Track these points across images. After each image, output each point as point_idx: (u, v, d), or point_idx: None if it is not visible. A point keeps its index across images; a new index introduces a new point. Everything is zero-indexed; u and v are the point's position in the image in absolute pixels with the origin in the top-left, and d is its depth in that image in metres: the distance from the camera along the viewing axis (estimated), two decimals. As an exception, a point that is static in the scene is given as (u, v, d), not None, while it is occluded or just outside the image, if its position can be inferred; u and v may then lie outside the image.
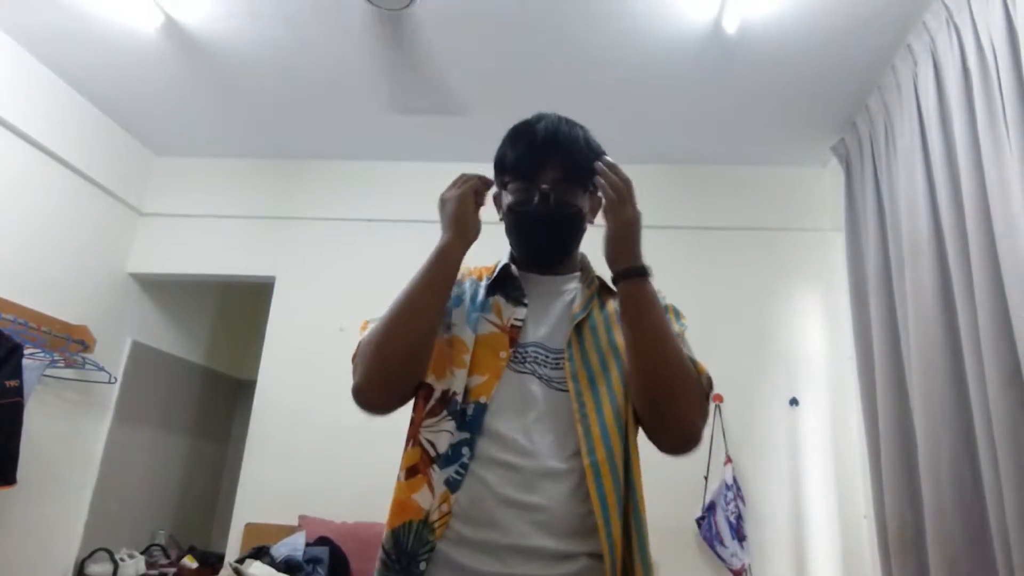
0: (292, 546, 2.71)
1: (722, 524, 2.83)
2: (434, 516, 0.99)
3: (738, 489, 2.89)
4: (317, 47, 2.72)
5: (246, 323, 4.34)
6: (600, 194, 1.09)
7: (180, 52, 2.78)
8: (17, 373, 2.55)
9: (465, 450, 1.01)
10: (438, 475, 1.00)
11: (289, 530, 2.93)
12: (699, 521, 2.88)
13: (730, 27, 2.44)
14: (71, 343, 3.00)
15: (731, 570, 2.79)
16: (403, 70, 2.85)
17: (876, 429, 2.54)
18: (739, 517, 2.83)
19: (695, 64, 2.70)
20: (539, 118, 1.18)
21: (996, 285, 1.82)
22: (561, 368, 1.07)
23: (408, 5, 2.41)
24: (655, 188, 3.50)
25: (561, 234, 1.16)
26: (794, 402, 3.08)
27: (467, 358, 1.07)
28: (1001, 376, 1.75)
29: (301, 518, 2.98)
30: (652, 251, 3.77)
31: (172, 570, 3.30)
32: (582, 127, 1.19)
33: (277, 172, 3.67)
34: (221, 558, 3.16)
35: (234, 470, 3.33)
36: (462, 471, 1.00)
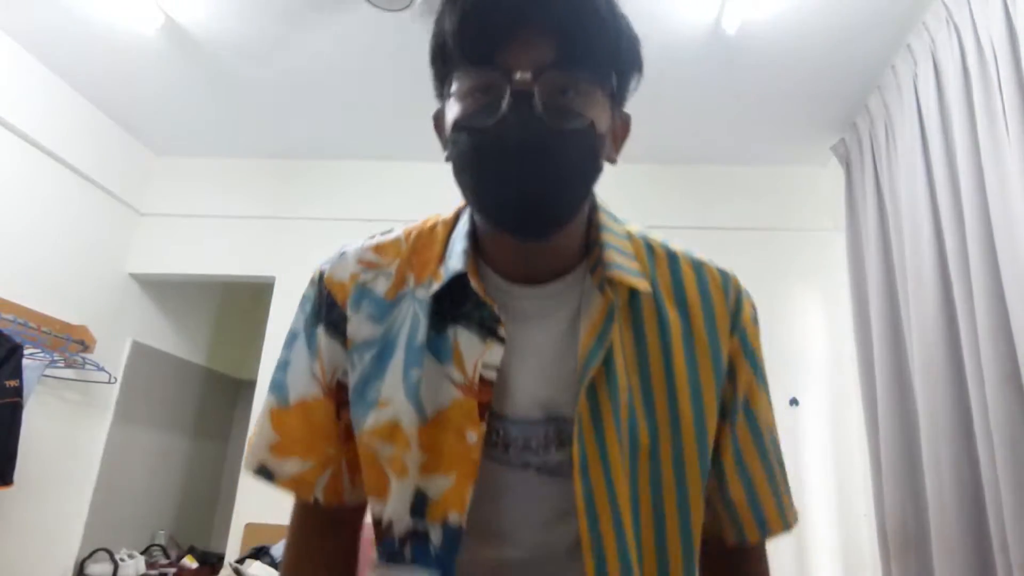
0: (292, 546, 2.70)
1: (722, 524, 2.83)
2: None
3: (738, 489, 2.89)
4: (317, 47, 2.72)
5: (246, 323, 4.34)
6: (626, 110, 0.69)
7: (180, 52, 2.78)
8: (17, 373, 2.55)
9: None
10: None
11: (289, 530, 2.93)
12: (699, 521, 2.88)
13: (730, 28, 2.44)
14: (71, 343, 3.00)
15: (731, 570, 2.79)
16: (402, 71, 2.85)
17: (876, 429, 2.54)
18: (739, 517, 2.83)
19: (695, 65, 2.70)
20: None
21: (996, 285, 1.82)
22: (567, 446, 0.65)
23: (408, 6, 2.41)
24: (655, 188, 3.51)
25: (561, 169, 0.62)
26: (794, 402, 3.08)
27: (410, 457, 0.65)
28: (1001, 375, 1.75)
29: (301, 518, 2.97)
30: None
31: (172, 570, 3.30)
32: None
33: (277, 172, 3.67)
34: (221, 558, 3.16)
35: (234, 470, 3.33)
36: None
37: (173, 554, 3.53)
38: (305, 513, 0.77)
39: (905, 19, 2.38)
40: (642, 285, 0.68)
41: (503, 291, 0.69)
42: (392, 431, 0.65)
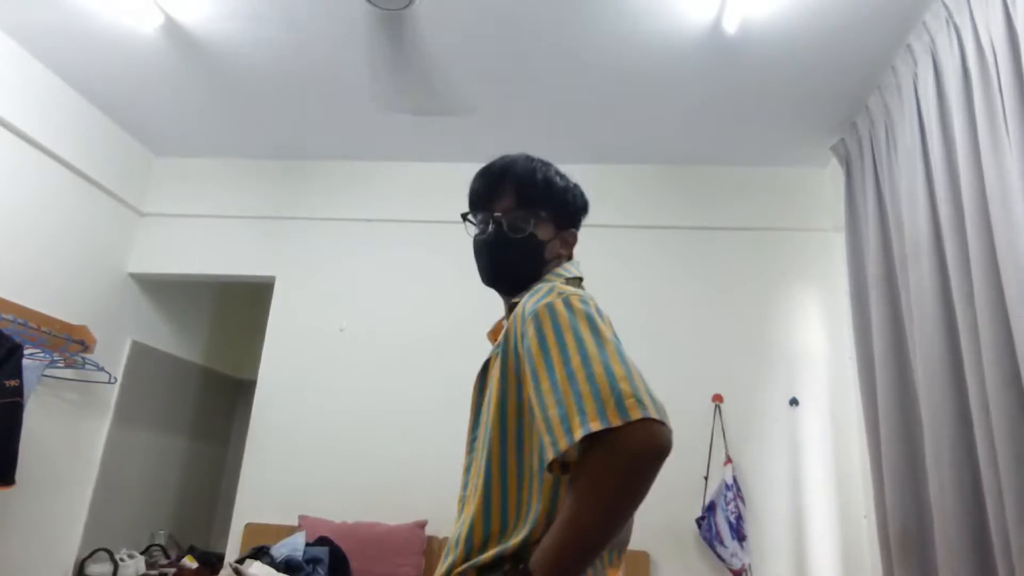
0: (292, 546, 2.70)
1: (722, 524, 2.83)
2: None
3: (738, 489, 2.89)
4: (317, 47, 2.72)
5: (246, 323, 4.34)
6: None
7: (180, 52, 2.78)
8: (17, 373, 2.55)
9: None
10: None
11: (289, 530, 2.93)
12: (699, 521, 2.88)
13: (730, 27, 2.44)
14: (71, 343, 3.00)
15: (731, 570, 2.79)
16: (402, 71, 2.84)
17: (876, 429, 2.54)
18: (739, 517, 2.83)
19: (695, 64, 2.70)
20: (502, 157, 1.23)
21: (996, 285, 1.82)
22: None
23: (408, 5, 2.41)
24: (655, 188, 3.51)
25: (509, 255, 1.15)
26: (794, 402, 3.08)
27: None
28: (1000, 375, 1.75)
29: (301, 518, 2.98)
30: (652, 251, 3.80)
31: (172, 570, 3.30)
32: (548, 164, 1.23)
33: (277, 172, 3.68)
34: (221, 558, 3.16)
35: (234, 470, 3.33)
36: None
37: (173, 554, 3.53)
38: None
39: (905, 19, 2.38)
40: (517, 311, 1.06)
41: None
42: None
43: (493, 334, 1.23)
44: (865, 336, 2.72)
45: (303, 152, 3.63)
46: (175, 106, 3.23)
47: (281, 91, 3.05)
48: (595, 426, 0.81)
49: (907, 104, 2.42)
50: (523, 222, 1.14)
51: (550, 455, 0.85)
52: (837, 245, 3.15)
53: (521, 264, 1.16)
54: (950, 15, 2.14)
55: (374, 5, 2.42)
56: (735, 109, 3.00)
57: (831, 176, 3.33)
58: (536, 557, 0.84)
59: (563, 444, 0.83)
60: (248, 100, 3.14)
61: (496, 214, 1.15)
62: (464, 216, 1.23)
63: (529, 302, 1.02)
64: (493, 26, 2.55)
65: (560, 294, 0.99)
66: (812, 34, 2.49)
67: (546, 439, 0.86)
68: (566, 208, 1.21)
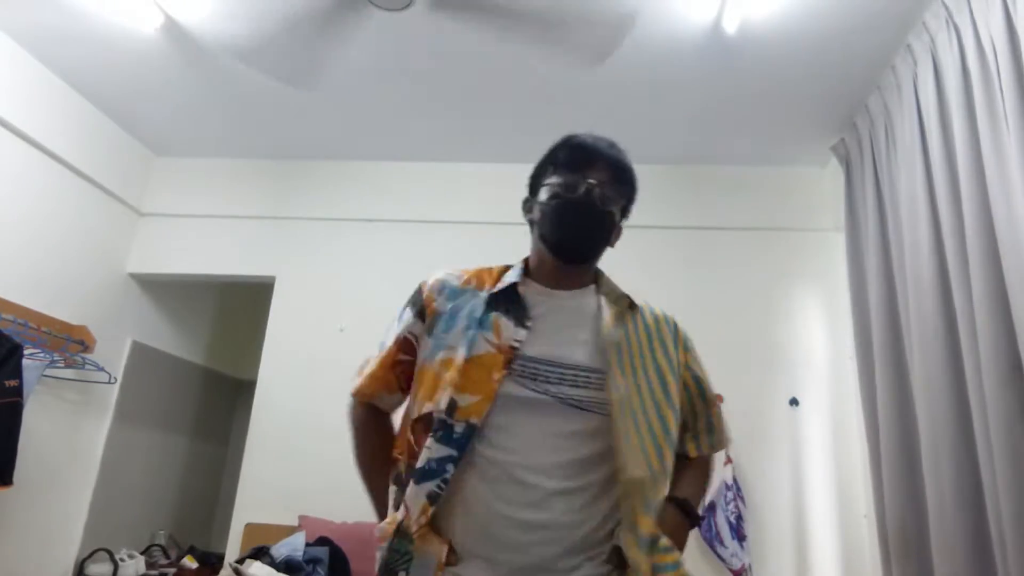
0: (292, 546, 2.70)
1: (722, 524, 2.83)
2: (412, 528, 1.03)
3: (738, 489, 2.89)
4: (317, 47, 2.72)
5: (246, 323, 4.34)
6: (621, 223, 1.22)
7: (180, 52, 2.78)
8: (17, 373, 2.55)
9: (449, 467, 1.03)
10: (413, 490, 1.04)
11: (289, 530, 2.93)
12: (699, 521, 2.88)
13: (730, 27, 2.44)
14: (71, 343, 3.00)
15: (731, 570, 2.79)
16: (402, 71, 2.84)
17: (876, 429, 2.54)
18: (739, 517, 2.83)
19: (695, 64, 2.70)
20: (588, 133, 1.24)
21: (996, 285, 1.82)
22: (581, 386, 1.08)
23: (408, 6, 2.41)
24: (655, 188, 3.49)
25: (598, 229, 1.18)
26: (794, 402, 3.08)
27: (454, 375, 1.08)
28: (1000, 375, 1.75)
29: (301, 518, 2.98)
30: (652, 251, 3.80)
31: (172, 570, 3.30)
32: None
33: (277, 172, 3.67)
34: (221, 558, 3.16)
35: (234, 470, 3.33)
36: (443, 485, 1.02)
37: (173, 554, 3.53)
38: (359, 405, 1.27)
39: (905, 19, 2.38)
40: (636, 303, 1.23)
41: (540, 293, 1.19)
42: (450, 364, 1.10)
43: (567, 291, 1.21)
44: (865, 336, 2.72)
45: (303, 152, 3.63)
46: (175, 106, 3.23)
47: (281, 91, 3.04)
48: (718, 448, 1.33)
49: (907, 104, 2.42)
50: (612, 202, 1.17)
51: (705, 450, 1.29)
52: (837, 245, 3.15)
53: (601, 241, 1.20)
54: (950, 15, 2.14)
55: (374, 5, 2.42)
56: (735, 109, 3.00)
57: (831, 176, 3.33)
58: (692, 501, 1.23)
59: (708, 450, 1.30)
60: (248, 100, 3.14)
61: (591, 181, 1.14)
62: (542, 182, 1.21)
63: (657, 310, 1.28)
64: (492, 27, 2.55)
65: None
66: (812, 34, 2.49)
67: (708, 439, 1.30)
68: (632, 202, 1.26)
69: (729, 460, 2.95)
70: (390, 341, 1.23)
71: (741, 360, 3.13)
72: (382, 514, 1.15)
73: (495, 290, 1.17)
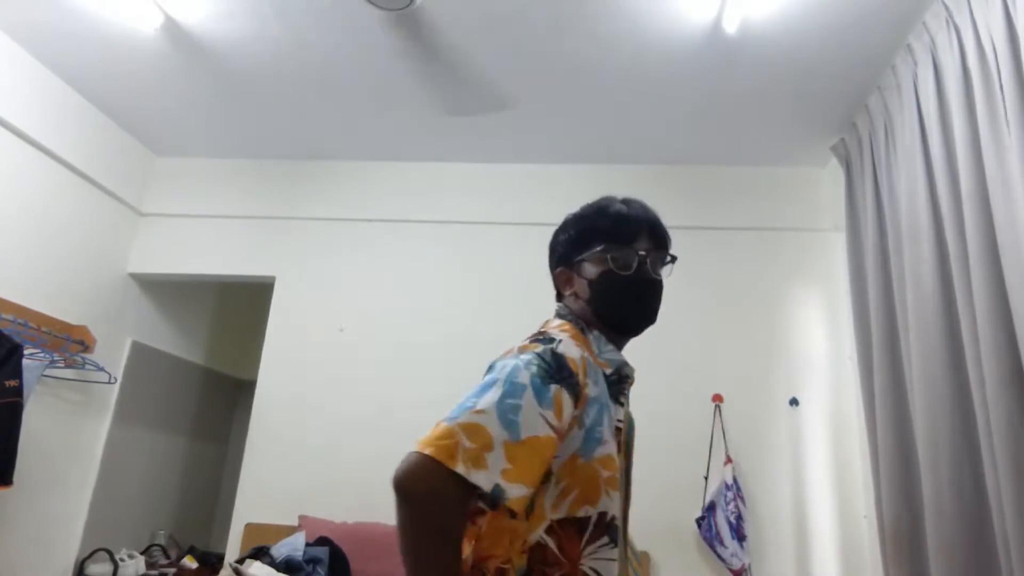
0: (292, 546, 2.71)
1: (722, 524, 2.83)
2: None
3: (738, 489, 2.89)
4: (317, 47, 2.72)
5: (246, 323, 4.34)
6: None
7: (180, 52, 2.78)
8: (17, 373, 2.55)
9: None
10: None
11: (289, 530, 2.94)
12: (699, 521, 2.88)
13: (730, 27, 2.44)
14: (71, 343, 3.00)
15: (731, 570, 2.79)
16: (402, 71, 2.84)
17: (875, 428, 2.54)
18: (739, 517, 2.83)
19: (695, 64, 2.70)
20: (618, 198, 1.23)
21: (997, 285, 1.82)
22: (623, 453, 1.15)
23: (408, 5, 2.41)
24: (655, 188, 3.51)
25: (655, 300, 1.18)
26: (794, 402, 3.08)
27: (620, 477, 1.08)
28: (1001, 376, 1.75)
29: (301, 518, 2.98)
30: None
31: (172, 570, 3.30)
32: None
33: (277, 172, 3.68)
34: (221, 558, 3.16)
35: (234, 470, 3.33)
36: None
37: (173, 554, 3.53)
38: (465, 493, 0.97)
39: (905, 19, 2.38)
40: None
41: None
42: (608, 461, 1.06)
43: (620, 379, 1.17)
44: (865, 336, 2.72)
45: (303, 152, 3.63)
46: (175, 106, 3.23)
47: (281, 91, 3.05)
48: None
49: (907, 104, 2.42)
50: (660, 268, 1.20)
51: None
52: (837, 245, 3.15)
53: (657, 311, 1.21)
54: (950, 15, 2.14)
55: (374, 5, 2.42)
56: (735, 109, 3.00)
57: (831, 176, 3.33)
58: None
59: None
60: (248, 100, 3.14)
61: (641, 252, 1.16)
62: (584, 255, 1.19)
63: None
64: (492, 27, 2.55)
65: None
66: (812, 34, 2.49)
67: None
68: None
69: (729, 460, 2.95)
70: (543, 428, 0.98)
71: (741, 360, 3.14)
72: None
73: (611, 374, 1.13)
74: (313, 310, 3.40)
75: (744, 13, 2.39)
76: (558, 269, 1.23)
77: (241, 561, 2.61)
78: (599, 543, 1.01)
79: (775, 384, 3.11)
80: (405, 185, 3.59)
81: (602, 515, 1.02)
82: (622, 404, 1.12)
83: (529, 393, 0.98)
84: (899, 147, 2.48)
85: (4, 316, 2.68)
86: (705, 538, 2.85)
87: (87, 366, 3.10)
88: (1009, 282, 1.75)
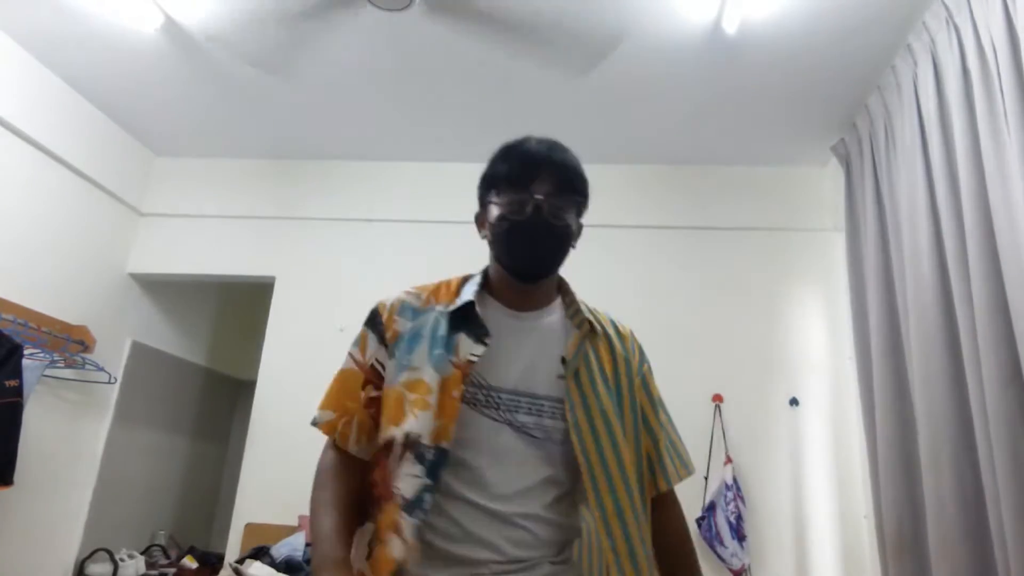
0: (292, 546, 2.71)
1: (722, 524, 2.83)
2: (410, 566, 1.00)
3: (738, 489, 2.89)
4: (317, 47, 2.72)
5: (246, 323, 4.34)
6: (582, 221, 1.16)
7: (180, 52, 2.78)
8: (17, 373, 2.55)
9: (427, 497, 1.00)
10: (407, 523, 0.99)
11: (289, 530, 2.93)
12: (699, 521, 2.88)
13: (730, 27, 2.44)
14: (71, 343, 3.00)
15: (731, 570, 2.79)
16: (402, 71, 2.84)
17: (874, 430, 2.54)
18: (739, 517, 2.83)
19: (695, 64, 2.70)
20: (529, 137, 1.16)
21: (996, 285, 1.82)
22: (540, 415, 1.07)
23: (407, 6, 2.41)
24: (655, 188, 3.51)
25: (552, 245, 1.12)
26: (794, 402, 3.08)
27: (432, 399, 1.04)
28: (1001, 376, 1.75)
29: (301, 518, 2.98)
30: (652, 251, 3.80)
31: (172, 570, 3.30)
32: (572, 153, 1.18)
33: (277, 172, 3.67)
34: (221, 558, 3.16)
35: (234, 470, 3.33)
36: (424, 517, 0.99)
37: (173, 554, 3.53)
38: (329, 447, 1.19)
39: (905, 19, 2.38)
40: (599, 327, 1.19)
41: (501, 313, 1.14)
42: (417, 385, 1.06)
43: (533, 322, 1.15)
44: (864, 336, 2.72)
45: (303, 152, 3.63)
46: (175, 106, 3.23)
47: (281, 91, 3.05)
48: (691, 468, 1.26)
49: (907, 104, 2.42)
50: (564, 212, 1.11)
51: (677, 479, 1.21)
52: (837, 245, 3.15)
53: (558, 257, 1.14)
54: (950, 15, 2.14)
55: (374, 6, 2.42)
56: (735, 109, 3.00)
57: (831, 176, 3.33)
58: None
59: (685, 474, 1.22)
60: (248, 100, 3.14)
61: (538, 196, 1.08)
62: (490, 198, 1.14)
63: (622, 326, 1.25)
64: (492, 27, 2.55)
65: None
66: (812, 34, 2.49)
67: (675, 463, 1.21)
68: (587, 202, 1.18)
69: (729, 460, 2.95)
70: (349, 363, 1.19)
71: (741, 360, 3.14)
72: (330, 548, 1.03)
73: (453, 307, 1.13)
74: (313, 310, 3.40)
75: (744, 13, 2.39)
76: (476, 212, 1.21)
77: (241, 561, 2.61)
78: (404, 461, 1.02)
79: (775, 384, 3.11)
80: (405, 185, 3.59)
81: (407, 435, 1.03)
82: (484, 342, 1.07)
83: (351, 342, 1.20)
84: (899, 147, 2.48)
85: (4, 316, 2.68)
86: (705, 538, 2.85)
87: (87, 366, 3.09)
88: (1008, 282, 1.75)
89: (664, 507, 1.18)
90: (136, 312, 3.59)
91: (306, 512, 3.45)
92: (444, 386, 1.04)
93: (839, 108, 2.93)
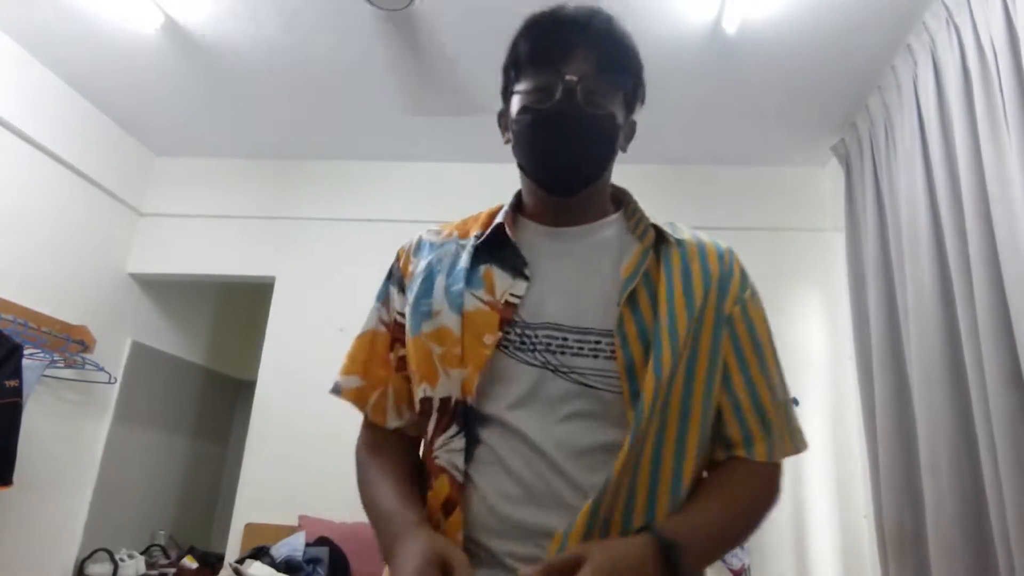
0: (292, 546, 2.71)
1: (722, 524, 2.83)
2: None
3: (738, 489, 2.89)
4: (317, 47, 2.72)
5: (246, 323, 4.34)
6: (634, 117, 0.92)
7: (180, 52, 2.78)
8: (17, 373, 2.55)
9: (460, 460, 0.82)
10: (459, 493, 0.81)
11: (289, 530, 2.93)
12: (699, 521, 2.88)
13: (730, 28, 2.44)
14: (71, 343, 3.00)
15: (731, 570, 2.79)
16: (403, 71, 2.84)
17: (874, 430, 2.54)
18: (739, 517, 2.83)
19: (695, 65, 2.69)
20: (564, 3, 0.90)
21: (996, 285, 1.82)
22: (587, 355, 0.80)
23: (408, 5, 2.41)
24: (655, 188, 3.50)
25: (591, 140, 0.86)
26: (794, 402, 3.07)
27: (457, 350, 0.83)
28: (1001, 376, 1.75)
29: (301, 518, 2.98)
30: (652, 251, 3.62)
31: (172, 570, 3.30)
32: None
33: (277, 172, 3.67)
34: (221, 558, 3.16)
35: (234, 470, 3.33)
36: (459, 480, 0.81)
37: (173, 554, 3.53)
38: (365, 428, 0.98)
39: (905, 19, 2.38)
40: (669, 235, 0.90)
41: (539, 234, 0.91)
42: (442, 334, 0.85)
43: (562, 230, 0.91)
44: (864, 336, 2.72)
45: (303, 152, 3.63)
46: (175, 106, 3.23)
47: (281, 91, 3.05)
48: (800, 450, 0.96)
49: (907, 104, 2.42)
50: (605, 98, 0.86)
51: (764, 454, 0.89)
52: (837, 245, 3.15)
53: (601, 157, 0.89)
54: (950, 15, 2.14)
55: (374, 5, 2.42)
56: (735, 109, 3.00)
57: (831, 176, 3.33)
58: (688, 532, 0.76)
59: (786, 450, 0.93)
60: (248, 100, 3.14)
61: (570, 78, 0.83)
62: (513, 86, 0.90)
63: (714, 242, 0.96)
64: (492, 27, 2.55)
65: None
66: (812, 34, 2.49)
67: (759, 433, 0.88)
68: (640, 90, 0.93)
69: (729, 460, 2.95)
70: (374, 322, 1.00)
71: (741, 360, 3.13)
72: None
73: (482, 236, 0.91)
74: (313, 310, 3.40)
75: (744, 14, 2.39)
76: (499, 110, 0.97)
77: (241, 561, 2.61)
78: (448, 433, 0.82)
79: (775, 384, 3.11)
80: (406, 185, 3.59)
81: (445, 400, 0.83)
82: (525, 276, 0.85)
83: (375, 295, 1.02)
84: (899, 147, 2.48)
85: (4, 316, 2.67)
86: (705, 538, 2.85)
87: (87, 366, 3.09)
88: (1008, 282, 1.75)
89: (728, 473, 0.87)
90: (136, 312, 3.59)
91: (306, 512, 3.44)
92: (471, 329, 0.83)
93: (839, 108, 2.93)
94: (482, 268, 0.88)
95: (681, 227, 0.97)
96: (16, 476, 2.53)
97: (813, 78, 2.75)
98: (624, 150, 0.93)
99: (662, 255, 0.87)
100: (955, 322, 2.04)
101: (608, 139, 0.88)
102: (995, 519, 1.80)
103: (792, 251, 3.31)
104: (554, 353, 0.81)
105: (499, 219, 0.92)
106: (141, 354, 3.59)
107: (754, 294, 0.95)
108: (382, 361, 0.95)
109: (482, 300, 0.85)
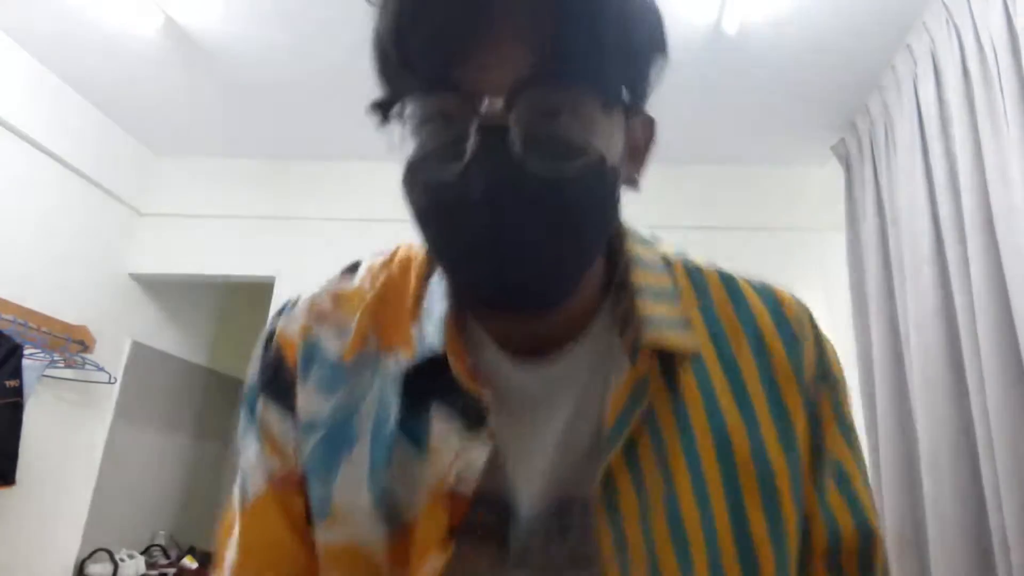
0: (292, 546, 2.70)
1: (722, 524, 2.82)
2: None
3: (738, 489, 2.88)
4: (317, 46, 2.72)
5: (246, 323, 4.34)
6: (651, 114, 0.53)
7: (180, 52, 2.78)
8: (17, 373, 2.55)
9: None
10: None
11: (289, 530, 2.93)
12: (699, 521, 2.87)
13: (730, 28, 2.44)
14: (71, 343, 3.00)
15: (731, 570, 2.79)
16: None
17: (875, 430, 2.53)
18: (739, 517, 2.82)
19: (695, 65, 2.69)
20: None
21: (997, 285, 1.82)
22: (569, 539, 0.50)
23: (408, 5, 2.41)
24: (653, 188, 3.49)
25: (557, 232, 0.46)
26: (794, 402, 3.07)
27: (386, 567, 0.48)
28: (1003, 377, 1.75)
29: (301, 518, 2.97)
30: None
31: (172, 570, 3.31)
32: None
33: (277, 172, 3.67)
34: (221, 558, 3.15)
35: (234, 470, 3.33)
36: None
37: (173, 554, 3.53)
38: None
39: (905, 19, 2.37)
40: (690, 345, 0.52)
41: (499, 366, 0.52)
42: (352, 558, 0.47)
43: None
44: (865, 336, 2.72)
45: (303, 152, 3.62)
46: (175, 106, 3.23)
47: (281, 91, 3.05)
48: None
49: (907, 104, 2.42)
50: (571, 125, 0.47)
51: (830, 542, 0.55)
52: (837, 245, 3.15)
53: (584, 249, 0.51)
54: (950, 15, 2.14)
55: (375, 5, 2.42)
56: (734, 109, 3.00)
57: (831, 176, 3.33)
58: None
59: (823, 535, 0.56)
60: (248, 100, 3.14)
61: (488, 105, 0.45)
62: (392, 100, 0.55)
63: (775, 307, 0.60)
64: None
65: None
66: (812, 34, 2.49)
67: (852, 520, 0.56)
68: (655, 51, 0.57)
69: (729, 460, 2.94)
70: (254, 484, 0.58)
71: (741, 360, 3.13)
72: None
73: (410, 365, 0.51)
74: (313, 310, 3.40)
75: (744, 14, 2.39)
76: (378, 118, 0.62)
77: (241, 561, 2.60)
78: None
79: (775, 384, 3.11)
80: (405, 185, 3.59)
81: None
82: (475, 424, 0.49)
83: (243, 421, 0.58)
84: (899, 147, 2.48)
85: (4, 316, 2.67)
86: (705, 538, 2.84)
87: (87, 366, 3.09)
88: (1010, 282, 1.75)
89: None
90: (136, 312, 3.59)
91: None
92: (409, 534, 0.48)
93: (839, 108, 2.93)
94: (431, 413, 0.50)
95: (700, 265, 0.61)
96: (16, 475, 2.54)
97: (813, 78, 2.75)
98: (636, 185, 0.59)
99: (670, 375, 0.51)
100: (955, 322, 2.04)
101: (592, 212, 0.48)
102: (993, 519, 1.79)
103: (792, 251, 3.31)
104: (532, 550, 0.50)
105: (436, 344, 0.51)
106: (141, 354, 3.59)
107: (837, 380, 0.61)
108: (277, 558, 0.53)
109: (427, 487, 0.48)
